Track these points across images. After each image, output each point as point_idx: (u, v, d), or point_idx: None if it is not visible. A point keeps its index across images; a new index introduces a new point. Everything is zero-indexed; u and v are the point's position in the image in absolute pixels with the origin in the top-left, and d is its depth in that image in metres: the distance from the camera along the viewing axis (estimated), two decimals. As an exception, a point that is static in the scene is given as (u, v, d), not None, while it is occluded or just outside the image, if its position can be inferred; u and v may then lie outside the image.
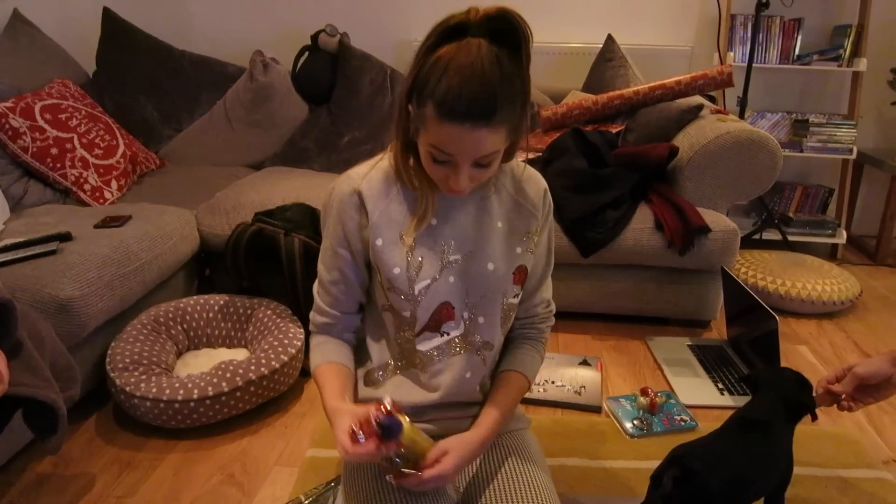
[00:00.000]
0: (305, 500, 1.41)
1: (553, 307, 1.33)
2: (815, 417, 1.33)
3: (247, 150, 3.05)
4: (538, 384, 1.97)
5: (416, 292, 1.11)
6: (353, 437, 0.92)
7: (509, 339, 1.28)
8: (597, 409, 1.88)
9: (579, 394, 1.93)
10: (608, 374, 2.07)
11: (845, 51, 3.03)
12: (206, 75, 3.15)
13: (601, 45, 2.96)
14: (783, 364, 2.13)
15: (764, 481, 1.26)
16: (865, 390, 1.30)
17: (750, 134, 2.20)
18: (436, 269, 1.12)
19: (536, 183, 1.21)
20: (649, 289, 2.30)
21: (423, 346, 1.15)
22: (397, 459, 0.97)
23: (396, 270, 1.11)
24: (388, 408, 0.92)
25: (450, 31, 0.96)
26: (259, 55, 3.01)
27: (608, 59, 2.91)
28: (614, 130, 2.54)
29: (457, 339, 1.16)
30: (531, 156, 2.50)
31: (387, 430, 0.91)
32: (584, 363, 2.10)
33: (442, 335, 1.16)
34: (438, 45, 0.96)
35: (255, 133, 3.03)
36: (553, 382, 1.98)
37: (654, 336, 2.30)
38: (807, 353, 2.24)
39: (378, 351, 1.22)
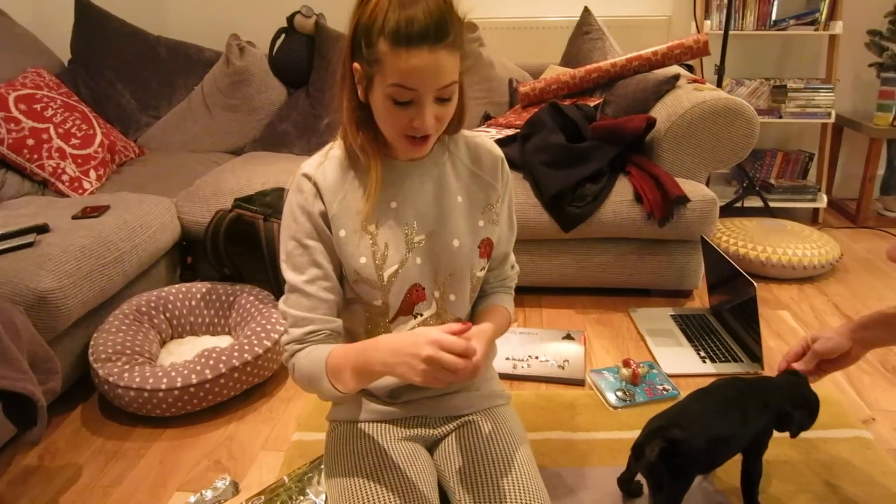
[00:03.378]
0: (289, 480, 1.42)
1: (517, 266, 1.36)
2: (793, 436, 1.34)
3: (226, 135, 3.02)
4: (522, 360, 1.98)
5: (385, 279, 1.11)
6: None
7: (480, 295, 1.28)
8: (580, 383, 1.90)
9: (563, 368, 1.95)
10: (592, 348, 2.09)
11: (821, 14, 3.02)
12: (182, 61, 3.12)
13: (578, 18, 2.94)
14: (766, 330, 2.16)
15: (740, 434, 1.28)
16: (826, 363, 1.34)
17: (726, 102, 2.20)
18: (402, 253, 1.12)
19: (491, 152, 1.21)
20: (631, 261, 2.31)
21: (398, 331, 1.16)
22: None
23: (363, 260, 1.10)
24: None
25: None
26: (235, 39, 2.98)
27: (585, 32, 2.89)
28: (592, 104, 2.53)
29: (430, 320, 1.17)
30: (509, 132, 2.50)
31: None
32: (568, 337, 2.12)
33: (415, 317, 1.17)
34: None
35: (234, 118, 3.01)
36: (536, 357, 2.00)
37: (638, 308, 2.31)
38: (788, 317, 2.26)
39: (350, 339, 1.22)
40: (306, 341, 1.09)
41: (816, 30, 3.04)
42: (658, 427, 1.24)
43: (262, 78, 3.00)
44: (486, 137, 1.24)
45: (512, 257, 1.33)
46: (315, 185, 1.08)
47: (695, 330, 2.15)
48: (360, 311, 1.16)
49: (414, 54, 0.93)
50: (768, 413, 1.31)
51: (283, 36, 3.08)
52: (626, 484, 1.44)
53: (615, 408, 1.77)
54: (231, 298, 2.06)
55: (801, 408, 1.32)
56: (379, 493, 1.08)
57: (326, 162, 1.11)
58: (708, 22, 3.07)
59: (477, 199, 1.18)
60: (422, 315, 1.17)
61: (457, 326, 0.97)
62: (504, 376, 1.92)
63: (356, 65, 0.99)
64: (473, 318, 1.25)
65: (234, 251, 2.08)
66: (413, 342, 0.94)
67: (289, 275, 1.10)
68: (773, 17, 3.06)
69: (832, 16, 3.02)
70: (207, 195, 2.36)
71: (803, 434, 1.58)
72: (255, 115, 3.01)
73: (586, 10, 2.91)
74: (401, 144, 1.04)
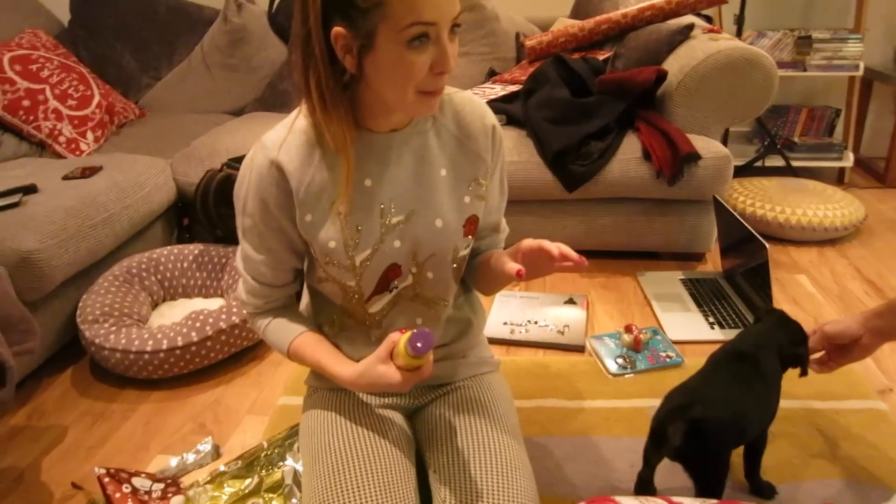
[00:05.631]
0: (268, 445, 1.38)
1: (507, 229, 1.25)
2: (804, 373, 1.26)
3: (227, 95, 2.96)
4: (520, 325, 1.91)
5: (358, 263, 1.02)
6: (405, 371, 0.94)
7: (472, 257, 1.18)
8: (580, 349, 1.82)
9: (562, 333, 1.87)
10: (595, 312, 2.01)
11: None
12: (182, 20, 3.05)
13: (590, -33, 2.79)
14: (781, 295, 2.06)
15: (762, 414, 1.20)
16: (840, 350, 1.26)
17: (742, 52, 2.07)
18: (376, 236, 1.01)
19: (482, 119, 1.07)
20: (639, 222, 2.21)
21: (374, 308, 1.09)
22: None
23: (332, 244, 1.00)
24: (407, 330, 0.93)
25: None
26: (234, -4, 2.89)
27: (597, -18, 2.74)
28: (602, 57, 2.41)
29: (405, 291, 1.09)
30: (514, 88, 2.39)
31: (425, 346, 0.90)
32: (570, 302, 2.04)
33: (391, 291, 1.08)
34: None
35: (234, 78, 2.94)
36: (536, 322, 1.92)
37: (646, 271, 2.22)
38: (805, 282, 2.15)
39: (321, 313, 1.15)
40: (263, 311, 1.11)
41: (846, -23, 2.86)
42: (677, 407, 1.13)
43: (261, 36, 2.92)
44: (478, 99, 1.11)
45: (503, 222, 1.23)
46: (279, 169, 0.96)
47: (705, 295, 2.05)
48: (334, 288, 1.08)
49: None
50: (779, 372, 1.24)
51: (283, -7, 2.99)
52: (646, 486, 1.25)
53: (614, 375, 1.70)
54: (223, 260, 2.02)
55: (802, 343, 1.26)
56: (350, 469, 1.02)
57: (290, 137, 0.97)
58: (729, -30, 2.89)
59: (463, 173, 1.06)
60: (397, 288, 1.08)
61: (394, 335, 0.96)
62: (501, 342, 1.86)
63: (338, 29, 0.85)
64: (475, 273, 1.17)
65: (225, 212, 2.03)
66: (387, 379, 0.95)
67: (245, 246, 1.06)
68: (800, -37, 2.88)
69: (863, -39, 2.83)
70: (203, 156, 2.31)
71: (815, 405, 1.50)
72: (256, 75, 2.93)
73: (599, -42, 2.76)
74: (414, 105, 0.91)
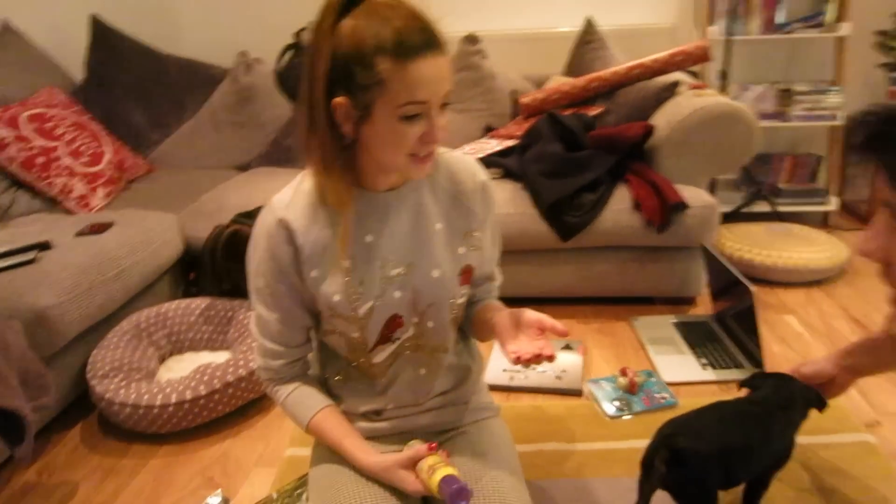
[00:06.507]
0: (277, 495, 1.42)
1: (501, 277, 1.31)
2: (824, 406, 1.32)
3: (234, 151, 3.06)
4: (518, 371, 1.97)
5: (361, 315, 1.08)
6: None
7: (470, 305, 1.24)
8: (577, 393, 1.88)
9: (560, 378, 1.93)
10: (591, 357, 2.07)
11: (828, 16, 2.97)
12: (192, 79, 3.17)
13: (580, 29, 2.93)
14: (770, 335, 2.12)
15: (755, 452, 1.23)
16: (818, 389, 1.32)
17: (724, 107, 2.18)
18: (378, 288, 1.08)
19: (473, 176, 1.15)
20: (632, 269, 2.29)
21: (378, 359, 1.14)
22: None
23: (336, 297, 1.07)
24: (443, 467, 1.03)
25: (345, 3, 0.92)
26: (242, 56, 3.02)
27: (587, 42, 2.88)
28: (592, 113, 2.52)
29: (407, 342, 1.15)
30: (510, 143, 2.49)
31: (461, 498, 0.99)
32: (567, 347, 2.10)
33: (393, 342, 1.14)
34: (338, 20, 0.92)
35: (241, 134, 3.05)
36: (534, 368, 1.98)
37: (640, 316, 2.28)
38: (794, 322, 2.22)
39: (328, 364, 1.21)
40: (282, 372, 1.16)
41: (823, 32, 3.00)
42: (664, 436, 1.20)
43: (268, 93, 3.04)
44: (469, 157, 1.19)
45: (496, 271, 1.29)
46: (286, 227, 1.04)
47: (697, 337, 2.11)
48: (339, 340, 1.14)
49: (421, 64, 0.91)
50: (793, 425, 1.28)
51: (290, 52, 3.12)
52: None
53: (612, 417, 1.75)
54: (230, 314, 2.08)
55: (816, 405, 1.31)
56: None
57: (296, 197, 1.06)
58: (712, 28, 3.03)
59: (457, 226, 1.13)
60: (399, 339, 1.14)
61: (423, 451, 1.06)
62: (501, 388, 1.91)
63: (339, 100, 0.94)
64: (473, 322, 1.22)
65: (233, 267, 2.10)
66: (405, 483, 1.06)
67: (259, 308, 1.13)
68: (779, 20, 3.02)
69: (839, 17, 2.97)
70: (211, 210, 2.39)
71: (803, 440, 1.55)
72: (262, 131, 3.04)
73: (588, 20, 2.91)
74: (408, 167, 1.00)
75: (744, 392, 1.37)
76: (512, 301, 1.20)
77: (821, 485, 1.47)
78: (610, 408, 1.78)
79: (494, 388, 1.89)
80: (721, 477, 1.19)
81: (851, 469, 1.52)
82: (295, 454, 1.67)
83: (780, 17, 3.02)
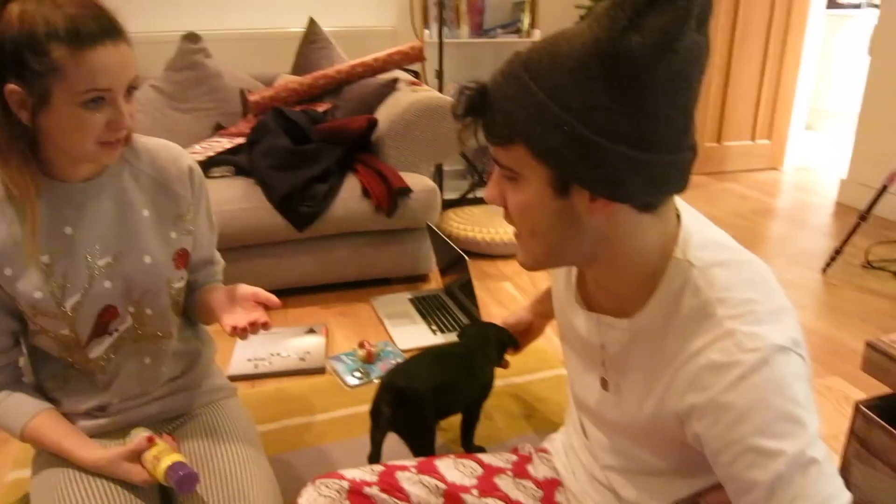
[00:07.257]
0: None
1: (222, 261, 1.34)
2: (517, 347, 1.53)
3: None
4: (263, 359, 2.01)
5: (69, 309, 1.06)
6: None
7: (191, 292, 1.25)
8: (321, 371, 1.98)
9: (304, 360, 2.01)
10: (334, 338, 2.18)
11: (523, 24, 3.44)
12: None
13: (305, 29, 3.04)
14: (490, 299, 2.41)
15: (462, 385, 1.42)
16: (521, 335, 1.53)
17: (436, 101, 2.43)
18: (84, 280, 1.06)
19: (175, 160, 1.16)
20: (368, 253, 2.45)
21: (95, 353, 1.12)
22: None
23: (38, 294, 1.03)
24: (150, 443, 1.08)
25: None
26: None
27: (312, 42, 3.00)
28: (321, 109, 2.64)
29: (127, 334, 1.14)
30: (240, 140, 2.52)
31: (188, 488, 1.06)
32: (310, 331, 2.19)
33: (111, 334, 1.12)
34: (5, 3, 0.90)
35: None
36: (278, 354, 2.04)
37: (379, 296, 2.45)
38: (510, 287, 2.55)
39: (42, 368, 1.16)
40: None
41: (521, 37, 3.45)
42: (386, 381, 1.33)
43: None
44: (173, 145, 1.19)
45: (216, 254, 1.32)
46: None
47: (429, 309, 2.33)
48: (48, 340, 1.09)
49: (100, 51, 0.90)
50: (491, 361, 1.48)
51: None
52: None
53: (352, 387, 1.88)
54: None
55: (503, 331, 1.52)
56: None
57: None
58: (427, 31, 3.34)
59: (165, 211, 1.14)
60: (118, 331, 1.12)
61: (143, 443, 1.08)
62: (246, 377, 1.94)
63: (12, 87, 0.90)
64: (197, 306, 1.23)
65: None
66: (132, 475, 1.08)
67: None
68: (484, 26, 3.42)
69: (532, 24, 3.45)
70: None
71: (515, 379, 1.81)
72: None
73: (312, 20, 3.03)
74: (96, 154, 0.98)
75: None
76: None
77: (527, 411, 1.75)
78: (351, 379, 1.91)
79: (239, 378, 1.91)
80: (436, 409, 1.37)
81: (550, 396, 1.82)
82: (19, 476, 1.54)
83: (487, 23, 3.42)
